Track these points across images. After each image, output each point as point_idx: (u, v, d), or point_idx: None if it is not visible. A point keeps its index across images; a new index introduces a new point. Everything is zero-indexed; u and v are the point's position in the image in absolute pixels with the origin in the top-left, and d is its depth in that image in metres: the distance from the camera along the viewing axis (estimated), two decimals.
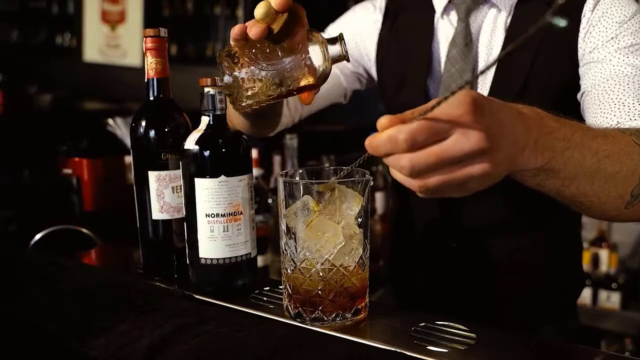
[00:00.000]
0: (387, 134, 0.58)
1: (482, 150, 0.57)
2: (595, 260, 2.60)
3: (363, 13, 1.26)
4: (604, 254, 2.59)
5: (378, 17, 1.24)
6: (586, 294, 2.57)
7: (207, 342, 0.71)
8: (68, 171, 1.35)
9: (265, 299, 0.88)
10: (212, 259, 0.87)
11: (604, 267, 2.59)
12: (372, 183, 0.79)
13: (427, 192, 0.60)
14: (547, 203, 1.08)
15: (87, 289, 0.91)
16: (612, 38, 0.98)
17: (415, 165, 0.58)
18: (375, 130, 0.62)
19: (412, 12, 1.20)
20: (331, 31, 1.29)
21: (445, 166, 0.58)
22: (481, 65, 1.09)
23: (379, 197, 1.94)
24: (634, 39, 0.97)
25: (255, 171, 1.58)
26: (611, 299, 2.54)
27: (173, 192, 0.95)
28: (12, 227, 1.34)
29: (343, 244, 0.76)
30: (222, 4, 4.14)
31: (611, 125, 0.92)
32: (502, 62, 1.06)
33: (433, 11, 1.16)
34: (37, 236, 1.16)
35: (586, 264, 2.60)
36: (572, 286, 1.23)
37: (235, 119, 1.07)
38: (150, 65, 0.94)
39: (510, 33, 1.07)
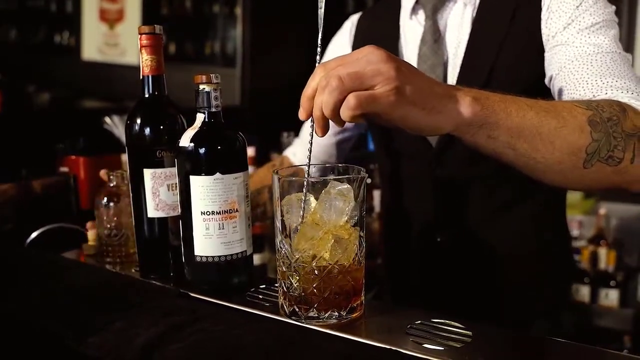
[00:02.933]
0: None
1: (385, 57, 0.69)
2: (594, 258, 2.60)
3: (336, 45, 1.34)
4: (602, 251, 2.59)
5: (348, 44, 1.31)
6: (585, 292, 2.57)
7: (203, 340, 0.71)
8: (65, 169, 1.35)
9: (261, 297, 0.88)
10: (207, 257, 0.87)
11: (602, 264, 2.59)
12: (369, 180, 0.79)
13: (342, 85, 0.68)
14: (537, 192, 1.09)
15: (83, 288, 0.91)
16: (572, 21, 1.01)
17: (327, 65, 0.70)
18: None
19: (379, 24, 1.25)
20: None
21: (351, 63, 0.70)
22: (451, 61, 1.13)
23: (376, 195, 1.94)
24: (593, 18, 1.00)
25: (253, 169, 1.58)
26: (610, 297, 2.54)
27: (168, 190, 0.95)
28: (9, 225, 1.34)
29: (331, 244, 0.76)
30: (220, 3, 4.12)
31: None
32: (471, 52, 1.11)
33: (398, 17, 1.21)
34: (33, 234, 1.16)
35: (585, 262, 2.60)
36: (563, 277, 1.24)
37: None
38: (145, 63, 0.94)
39: (476, 26, 1.10)
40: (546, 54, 1.05)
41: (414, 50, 1.16)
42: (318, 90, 0.70)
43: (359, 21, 1.30)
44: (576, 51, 0.99)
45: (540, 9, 1.05)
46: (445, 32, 1.13)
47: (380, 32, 1.23)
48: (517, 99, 0.78)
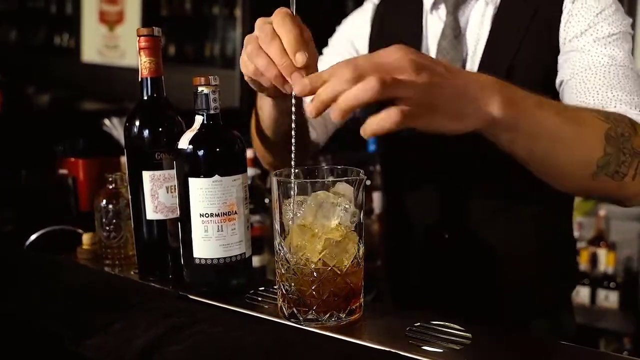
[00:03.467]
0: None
1: (406, 53, 0.66)
2: (594, 259, 2.60)
3: (353, 24, 1.30)
4: (602, 253, 2.59)
5: (367, 25, 1.27)
6: (584, 293, 2.57)
7: (202, 341, 0.71)
8: (64, 171, 1.35)
9: (260, 299, 0.88)
10: (206, 259, 0.87)
11: (602, 266, 2.59)
12: (368, 182, 0.79)
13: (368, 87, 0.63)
14: (539, 193, 1.10)
15: (82, 289, 0.91)
16: (590, 27, 1.02)
17: (355, 61, 0.65)
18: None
19: (401, 13, 1.23)
20: (327, 52, 1.30)
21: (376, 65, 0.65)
22: (469, 57, 1.12)
23: (376, 196, 1.94)
24: (611, 28, 1.01)
25: (252, 171, 1.58)
26: (609, 299, 2.54)
27: (167, 192, 0.95)
28: (9, 227, 1.34)
29: (322, 246, 0.76)
30: (220, 4, 4.13)
31: None
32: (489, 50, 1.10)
33: (421, 9, 1.19)
34: (33, 237, 1.16)
35: (584, 263, 2.60)
36: (565, 278, 1.24)
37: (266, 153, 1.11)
38: (144, 65, 0.94)
39: (497, 24, 1.10)
40: (560, 57, 1.05)
41: (432, 45, 1.16)
42: (335, 79, 0.66)
43: (379, 6, 1.28)
44: (590, 60, 1.00)
45: (560, 12, 1.05)
46: (465, 29, 1.13)
47: (403, 23, 1.22)
48: (550, 104, 0.78)
